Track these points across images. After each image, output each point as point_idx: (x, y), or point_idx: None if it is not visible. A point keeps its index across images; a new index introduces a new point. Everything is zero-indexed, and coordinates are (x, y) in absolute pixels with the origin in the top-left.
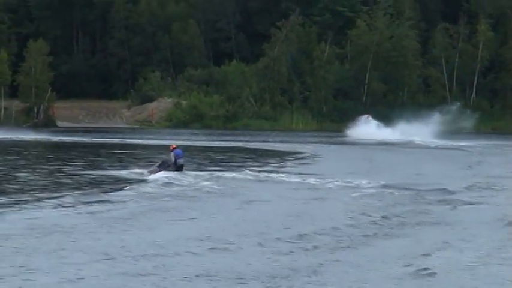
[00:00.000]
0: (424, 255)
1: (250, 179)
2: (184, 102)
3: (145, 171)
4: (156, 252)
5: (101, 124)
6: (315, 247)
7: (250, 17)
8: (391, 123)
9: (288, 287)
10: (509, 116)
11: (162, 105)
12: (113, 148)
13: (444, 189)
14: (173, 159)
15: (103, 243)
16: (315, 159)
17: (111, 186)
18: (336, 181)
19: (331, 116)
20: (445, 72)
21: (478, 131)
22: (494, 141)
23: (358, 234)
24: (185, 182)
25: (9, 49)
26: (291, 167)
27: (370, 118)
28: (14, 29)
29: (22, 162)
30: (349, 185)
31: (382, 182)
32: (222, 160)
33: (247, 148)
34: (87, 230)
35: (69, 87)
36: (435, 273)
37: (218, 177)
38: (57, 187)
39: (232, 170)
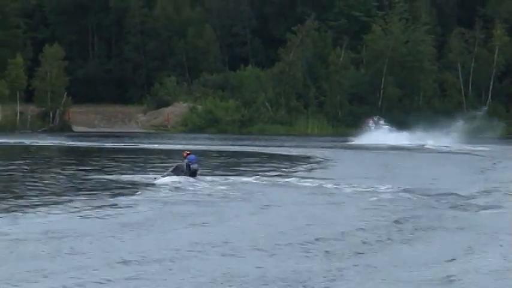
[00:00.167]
0: (445, 261)
1: (265, 184)
2: (199, 107)
3: (159, 176)
4: (171, 257)
5: (116, 129)
6: (333, 252)
7: (266, 21)
8: (408, 130)
9: None
10: None
11: (178, 110)
12: (128, 153)
13: (462, 194)
14: (186, 165)
15: (117, 248)
16: (331, 164)
17: (125, 191)
18: (353, 186)
19: (347, 120)
20: (460, 77)
21: (494, 136)
22: (510, 145)
23: (376, 239)
24: (199, 186)
25: (25, 54)
26: (307, 171)
27: (382, 122)
28: (30, 33)
29: (37, 166)
30: (365, 189)
31: (399, 187)
32: (237, 165)
33: (263, 153)
34: (101, 234)
35: (84, 92)
36: (459, 280)
37: (233, 182)
38: (72, 191)
39: (248, 175)
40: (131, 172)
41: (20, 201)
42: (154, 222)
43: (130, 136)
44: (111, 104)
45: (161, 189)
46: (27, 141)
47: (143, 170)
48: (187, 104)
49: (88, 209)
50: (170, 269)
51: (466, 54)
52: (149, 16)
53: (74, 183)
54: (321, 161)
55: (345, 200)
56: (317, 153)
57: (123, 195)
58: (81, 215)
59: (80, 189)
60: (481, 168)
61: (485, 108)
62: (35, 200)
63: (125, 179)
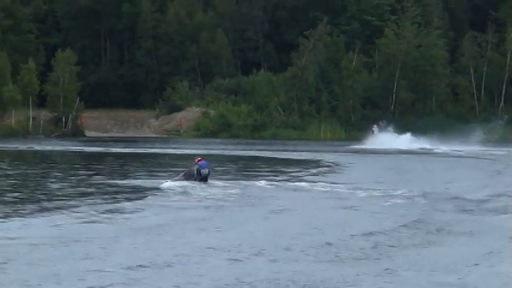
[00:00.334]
0: (462, 265)
1: (278, 188)
2: (212, 112)
3: (168, 180)
4: (183, 261)
5: (128, 134)
6: (347, 257)
7: (278, 26)
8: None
9: None
10: None
11: (190, 114)
12: (141, 157)
13: (475, 198)
14: (197, 170)
15: (129, 252)
16: (344, 168)
17: (137, 196)
18: (366, 190)
19: (360, 125)
20: (473, 81)
21: (507, 140)
22: None
23: (391, 243)
24: (211, 191)
25: (37, 59)
26: (320, 175)
27: (390, 128)
28: (42, 39)
29: (49, 171)
30: (379, 194)
31: (412, 191)
32: (249, 169)
33: (275, 157)
34: (113, 238)
35: (97, 97)
36: (475, 285)
37: (245, 186)
38: (84, 196)
39: (260, 179)
40: (144, 177)
41: (33, 206)
42: (166, 227)
43: (143, 141)
44: (124, 109)
45: (173, 194)
46: (38, 147)
47: (155, 175)
48: (199, 109)
49: (100, 213)
50: (182, 274)
51: (479, 58)
52: (161, 21)
53: (86, 187)
54: (333, 165)
55: (358, 204)
56: (329, 157)
57: (134, 200)
58: (93, 219)
59: (92, 194)
60: (493, 171)
61: (506, 116)
62: (47, 205)
63: (138, 184)
